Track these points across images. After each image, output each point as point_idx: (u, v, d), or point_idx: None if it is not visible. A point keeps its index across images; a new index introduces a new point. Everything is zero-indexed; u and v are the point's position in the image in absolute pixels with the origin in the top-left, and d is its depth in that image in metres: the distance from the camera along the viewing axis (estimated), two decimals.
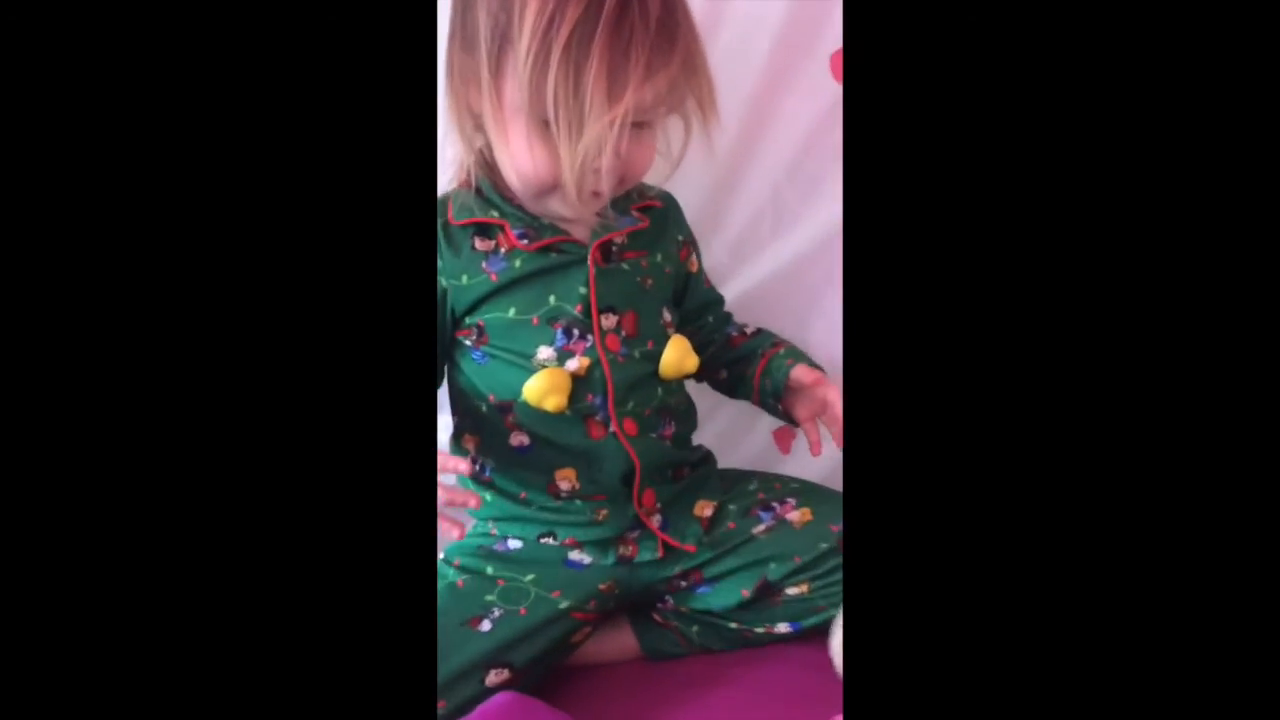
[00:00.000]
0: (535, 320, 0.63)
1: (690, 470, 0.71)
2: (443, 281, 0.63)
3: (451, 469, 0.57)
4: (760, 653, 0.69)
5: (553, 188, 0.59)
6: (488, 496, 0.69)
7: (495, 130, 0.58)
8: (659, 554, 0.68)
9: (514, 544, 0.68)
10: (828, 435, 0.68)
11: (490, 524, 0.69)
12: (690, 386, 0.75)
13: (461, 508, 0.58)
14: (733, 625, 0.68)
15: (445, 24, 0.61)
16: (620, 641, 0.72)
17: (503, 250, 0.63)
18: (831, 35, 0.78)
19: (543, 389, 0.62)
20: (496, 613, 0.63)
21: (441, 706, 0.57)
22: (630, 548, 0.68)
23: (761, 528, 0.69)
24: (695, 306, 0.74)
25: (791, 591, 0.67)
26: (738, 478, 0.74)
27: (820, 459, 0.82)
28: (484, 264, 0.63)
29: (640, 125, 0.59)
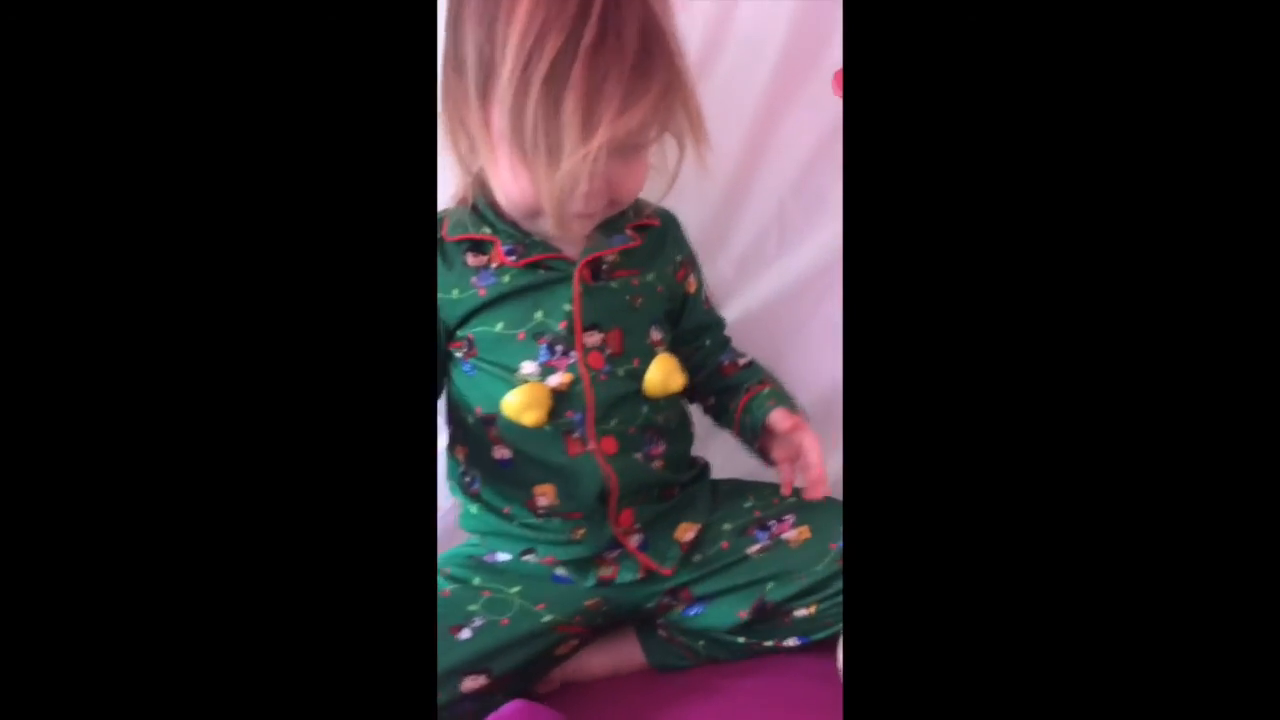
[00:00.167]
0: (521, 335, 0.64)
1: (681, 490, 0.71)
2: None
3: None
4: (766, 662, 0.69)
5: (540, 210, 0.60)
6: (473, 509, 0.70)
7: (485, 153, 0.59)
8: (640, 575, 0.67)
9: (502, 556, 0.68)
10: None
11: (479, 536, 0.70)
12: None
13: None
14: (740, 640, 0.68)
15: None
16: (626, 654, 0.72)
17: (493, 266, 0.64)
18: (834, 53, 0.77)
19: (521, 403, 0.63)
20: (478, 622, 0.64)
21: None
22: (611, 568, 0.68)
23: (756, 548, 0.68)
24: (692, 327, 0.74)
25: (800, 613, 0.67)
26: (734, 492, 0.73)
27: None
28: (474, 279, 0.64)
29: (630, 148, 0.59)
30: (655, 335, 0.69)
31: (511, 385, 0.64)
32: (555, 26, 0.52)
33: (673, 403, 0.70)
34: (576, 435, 0.65)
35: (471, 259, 0.65)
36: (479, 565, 0.68)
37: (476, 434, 0.67)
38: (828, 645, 0.67)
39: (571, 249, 0.65)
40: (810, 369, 0.83)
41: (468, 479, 0.70)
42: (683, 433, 0.72)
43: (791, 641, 0.68)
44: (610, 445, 0.65)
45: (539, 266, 0.64)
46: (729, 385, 0.72)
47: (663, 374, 0.67)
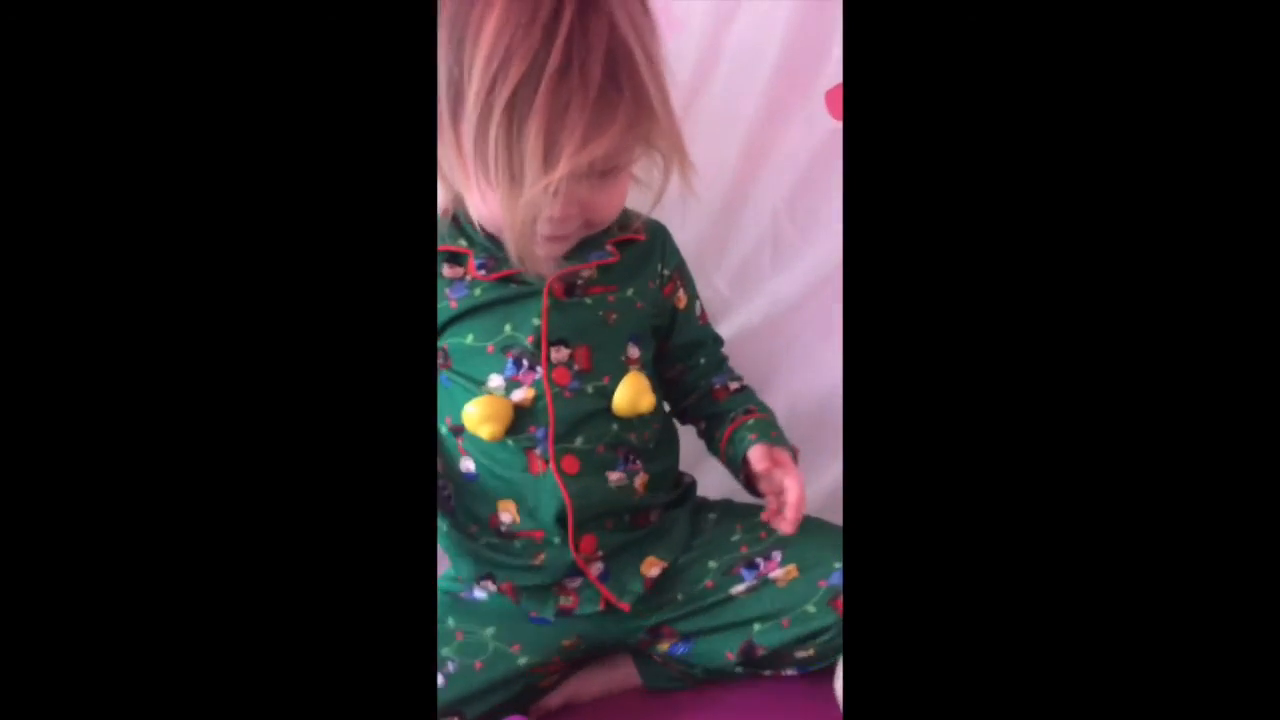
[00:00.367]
0: (490, 348, 0.63)
1: (660, 515, 0.68)
2: None
3: None
4: (761, 683, 0.68)
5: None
6: (444, 526, 0.68)
7: (458, 172, 0.58)
8: (600, 607, 0.65)
9: (479, 594, 0.67)
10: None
11: (450, 559, 0.69)
12: None
13: None
14: (738, 670, 0.67)
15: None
16: (621, 677, 0.70)
17: (466, 279, 0.63)
18: (828, 70, 0.77)
19: (479, 416, 0.62)
20: (451, 667, 0.62)
21: None
22: (570, 598, 0.65)
23: (742, 588, 0.66)
24: (685, 343, 0.72)
25: (800, 654, 0.65)
26: (723, 518, 0.70)
27: (819, 482, 0.81)
28: (448, 290, 0.63)
29: (605, 172, 0.57)
30: (632, 353, 0.66)
31: (477, 397, 0.63)
32: (519, 53, 0.50)
33: (651, 420, 0.67)
34: (539, 452, 0.63)
35: (448, 270, 0.64)
36: (454, 603, 0.66)
37: (448, 444, 0.66)
38: (825, 672, 0.65)
39: (544, 264, 0.63)
40: (806, 384, 0.82)
41: (445, 492, 0.68)
42: (665, 451, 0.70)
43: (790, 672, 0.66)
44: (571, 465, 0.63)
45: (511, 281, 0.63)
46: (717, 412, 0.70)
47: (631, 393, 0.64)
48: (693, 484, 0.73)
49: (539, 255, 0.60)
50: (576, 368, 0.63)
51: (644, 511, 0.67)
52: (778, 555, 0.66)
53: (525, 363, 0.63)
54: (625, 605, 0.65)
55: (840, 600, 0.63)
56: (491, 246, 0.64)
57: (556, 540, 0.64)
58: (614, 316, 0.65)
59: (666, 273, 0.70)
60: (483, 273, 0.63)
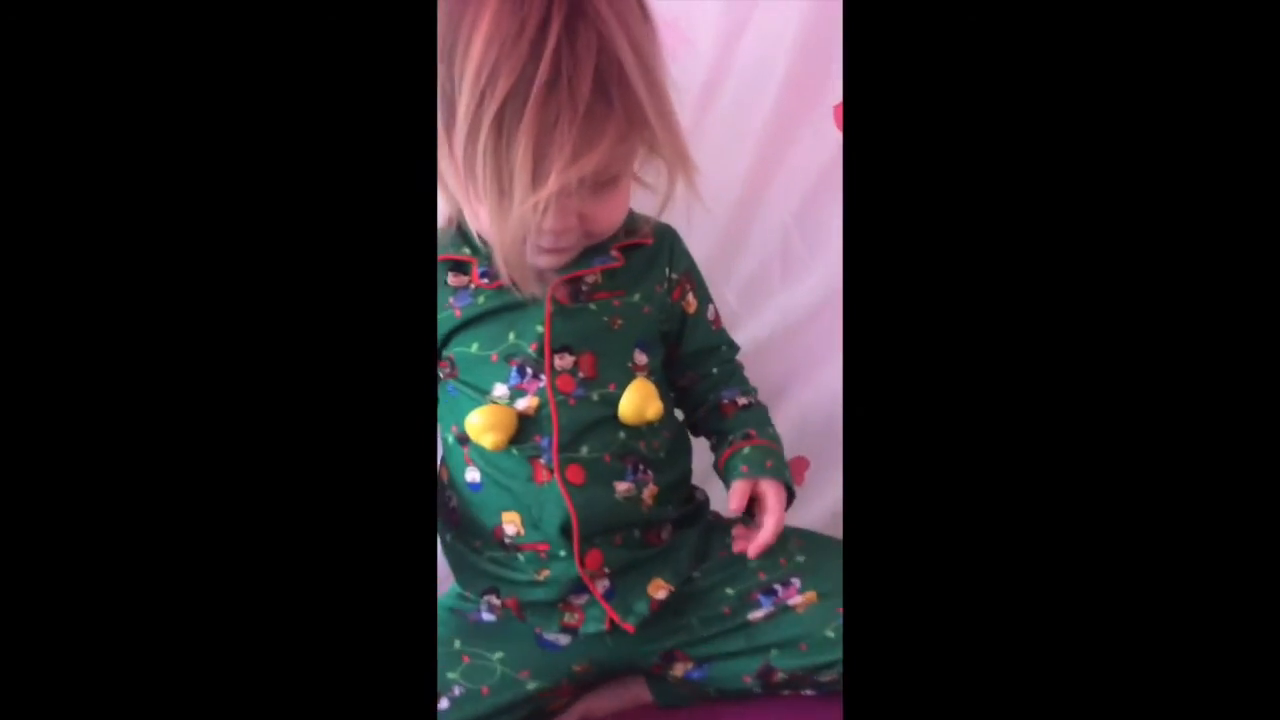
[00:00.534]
0: (494, 357, 0.62)
1: (671, 532, 0.66)
2: None
3: None
4: (779, 699, 0.66)
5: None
6: (448, 538, 0.67)
7: (458, 190, 0.57)
8: (605, 627, 0.62)
9: (487, 615, 0.65)
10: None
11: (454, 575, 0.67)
12: None
13: None
14: (756, 691, 0.65)
15: None
16: (633, 695, 0.69)
17: (470, 287, 0.62)
18: (836, 84, 0.77)
19: (482, 425, 0.60)
20: (457, 691, 0.60)
21: None
22: (576, 615, 0.63)
23: (760, 614, 0.64)
24: (697, 350, 0.70)
25: (822, 678, 0.63)
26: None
27: (828, 496, 0.81)
28: (452, 299, 0.62)
29: (604, 183, 0.56)
30: (639, 359, 0.64)
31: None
32: (506, 66, 0.49)
33: (661, 429, 0.65)
34: (543, 461, 0.61)
35: (452, 279, 0.63)
36: (461, 625, 0.64)
37: (454, 454, 0.64)
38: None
39: (537, 285, 0.62)
40: (815, 397, 0.81)
41: (451, 505, 0.67)
42: (676, 462, 0.67)
43: (809, 692, 0.65)
44: (576, 475, 0.61)
45: (514, 287, 0.62)
46: (722, 429, 0.69)
47: (638, 400, 0.62)
48: (705, 501, 0.71)
49: (529, 272, 0.59)
50: (581, 375, 0.62)
51: (655, 528, 0.65)
52: (796, 582, 0.65)
53: (529, 371, 0.61)
54: (630, 626, 0.62)
55: None
56: (493, 255, 0.62)
57: (562, 553, 0.62)
58: (620, 322, 0.64)
59: (675, 276, 0.68)
60: (485, 280, 0.62)
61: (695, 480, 0.72)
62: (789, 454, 0.85)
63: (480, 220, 0.57)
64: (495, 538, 0.64)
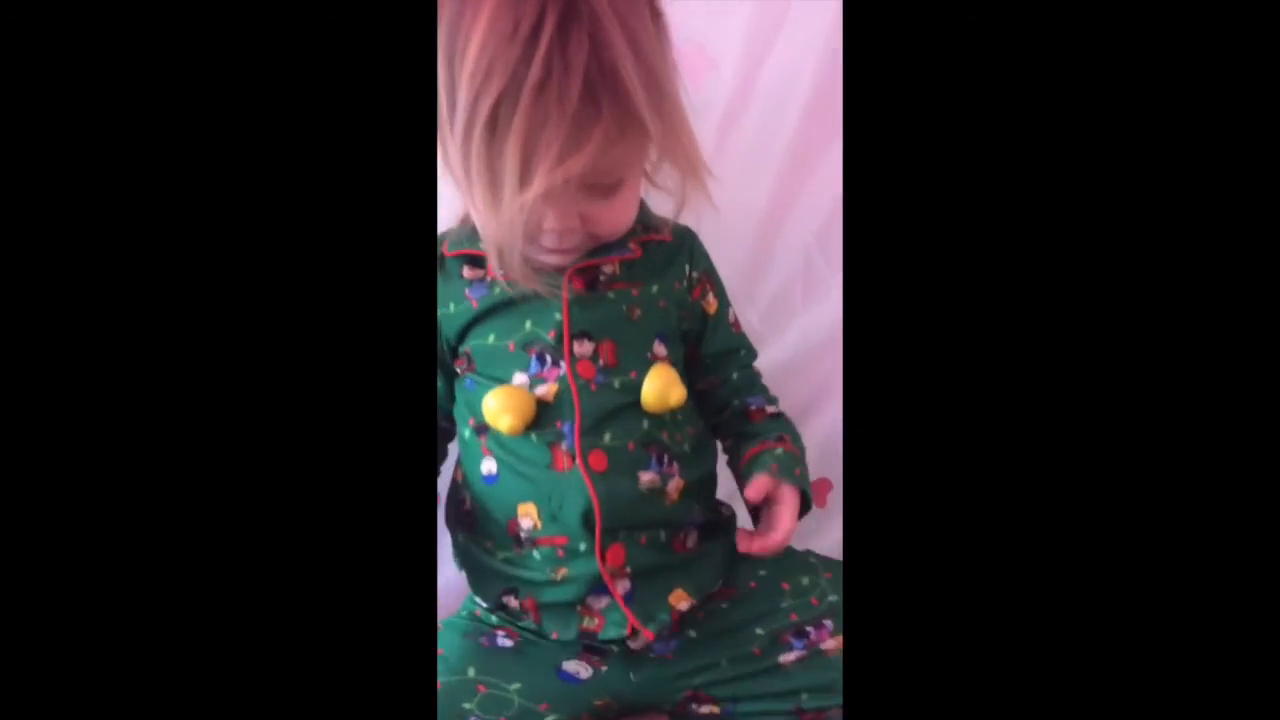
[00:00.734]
0: (512, 346, 0.60)
1: (695, 541, 0.63)
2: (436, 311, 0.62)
3: None
4: None
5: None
6: (460, 538, 0.64)
7: (462, 187, 0.56)
8: (625, 632, 0.59)
9: (503, 641, 0.61)
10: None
11: (477, 600, 0.64)
12: None
13: None
14: None
15: None
16: None
17: (487, 279, 0.62)
18: None
19: (498, 407, 0.58)
20: None
21: None
22: (596, 619, 0.59)
23: (791, 657, 0.60)
24: (716, 353, 0.68)
25: None
26: (769, 582, 0.64)
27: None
28: (468, 291, 0.62)
29: (608, 187, 0.56)
30: (659, 350, 0.63)
31: None
32: (499, 67, 0.49)
33: (685, 423, 0.63)
34: (564, 447, 0.59)
35: (468, 272, 0.63)
36: (475, 651, 0.60)
37: (470, 448, 0.62)
38: None
39: (535, 281, 0.61)
40: (838, 418, 0.79)
41: (463, 506, 0.64)
42: (702, 459, 0.65)
43: None
44: (599, 461, 0.58)
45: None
46: (751, 432, 0.66)
47: (660, 385, 0.60)
48: (733, 516, 0.68)
49: (524, 269, 0.58)
50: (601, 362, 0.60)
51: (680, 531, 0.62)
52: (829, 624, 0.61)
53: (548, 358, 0.60)
54: (650, 633, 0.59)
55: None
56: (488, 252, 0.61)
57: (581, 547, 0.58)
58: (638, 312, 0.62)
59: (695, 275, 0.67)
60: (501, 272, 0.60)
61: (721, 497, 0.69)
62: (812, 475, 0.85)
63: (478, 217, 0.57)
64: (509, 533, 0.60)
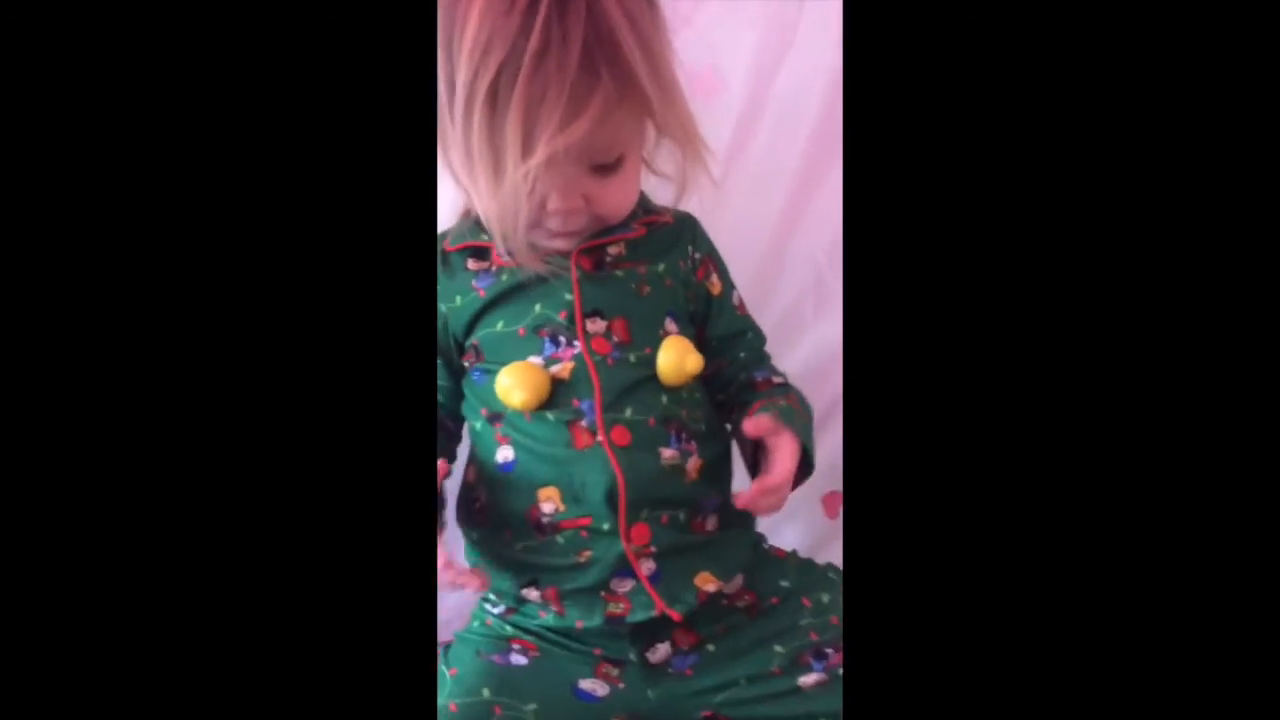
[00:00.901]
0: (522, 331, 0.59)
1: (715, 525, 0.60)
2: (442, 307, 0.61)
3: (461, 584, 0.52)
4: None
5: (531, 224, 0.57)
6: (475, 535, 0.62)
7: (465, 174, 0.57)
8: (655, 611, 0.56)
9: (518, 658, 0.58)
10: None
11: (489, 605, 0.61)
12: None
13: (464, 587, 0.52)
14: None
15: None
16: None
17: (492, 269, 0.61)
18: None
19: (510, 383, 0.56)
20: None
21: None
22: (621, 604, 0.57)
23: (811, 680, 0.58)
24: (723, 334, 0.66)
25: None
26: (790, 597, 0.61)
27: None
28: (474, 282, 0.61)
29: (607, 167, 0.56)
30: (671, 327, 0.62)
31: None
32: (498, 39, 0.49)
33: (701, 401, 0.62)
34: (584, 424, 0.57)
35: (472, 264, 0.62)
36: (489, 672, 0.57)
37: (484, 439, 0.60)
38: None
39: (566, 245, 0.61)
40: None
41: (477, 504, 0.62)
42: (717, 437, 0.63)
43: None
44: (621, 436, 0.56)
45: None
46: (754, 398, 0.64)
47: (676, 354, 0.59)
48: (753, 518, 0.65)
49: (528, 247, 0.58)
50: (615, 339, 0.59)
51: (699, 513, 0.59)
52: None
53: (561, 339, 0.58)
54: (677, 614, 0.56)
55: None
56: (492, 231, 0.60)
57: (605, 527, 0.56)
58: (647, 289, 0.62)
59: (698, 256, 0.67)
60: (507, 258, 0.60)
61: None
62: (824, 489, 0.84)
63: (481, 199, 0.56)
64: (530, 521, 0.57)
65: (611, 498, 0.56)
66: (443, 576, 0.51)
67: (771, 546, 0.65)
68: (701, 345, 0.66)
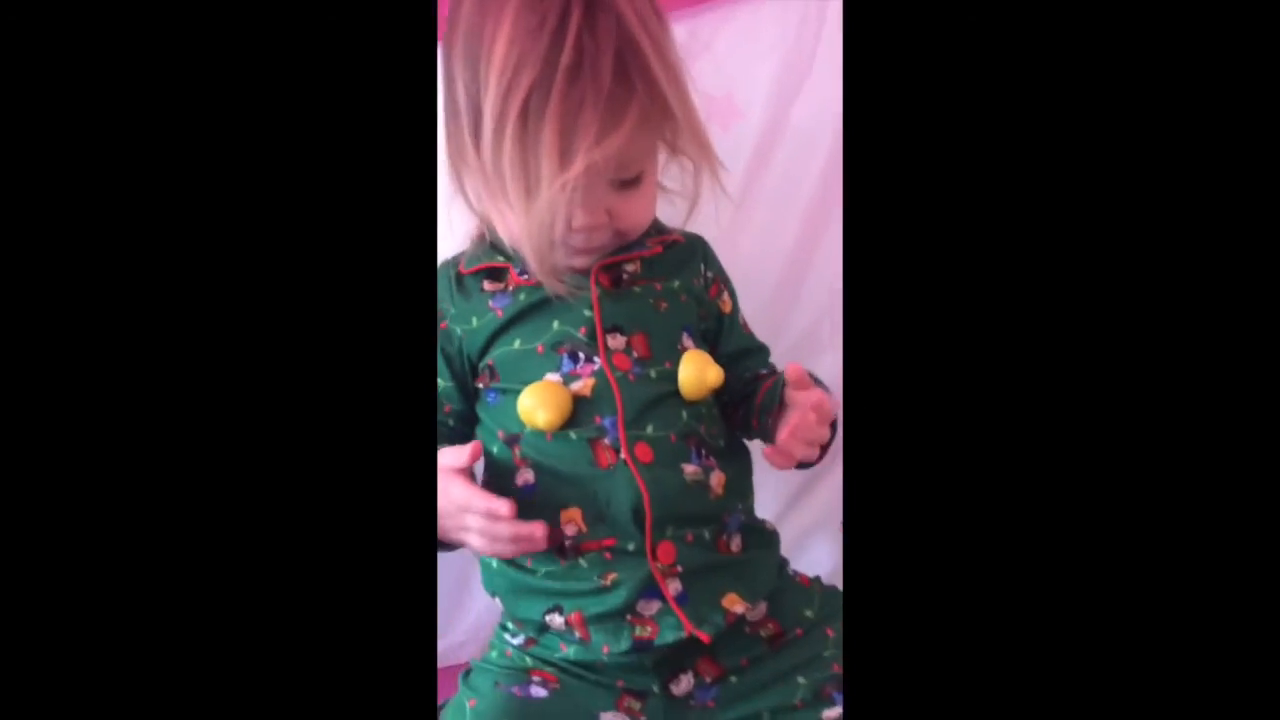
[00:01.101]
0: (540, 348, 0.58)
1: (739, 545, 0.59)
2: (457, 329, 0.60)
3: (525, 536, 0.50)
4: None
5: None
6: (494, 564, 0.60)
7: (487, 197, 0.57)
8: (684, 633, 0.54)
9: (537, 691, 0.56)
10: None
11: (508, 636, 0.59)
12: None
13: (528, 541, 0.51)
14: None
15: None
16: None
17: (509, 289, 0.61)
18: None
19: (533, 403, 0.55)
20: None
21: None
22: (648, 627, 0.55)
23: (834, 714, 0.56)
24: (733, 352, 0.66)
25: None
26: (815, 627, 0.60)
27: None
28: (491, 302, 0.60)
29: (627, 182, 0.57)
30: (688, 343, 0.61)
31: None
32: (530, 59, 0.50)
33: (718, 418, 0.62)
34: (607, 442, 0.55)
35: (488, 285, 0.61)
36: (509, 706, 0.55)
37: (501, 462, 0.58)
38: None
39: (583, 263, 0.60)
40: None
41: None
42: (737, 455, 0.62)
43: None
44: (644, 453, 0.55)
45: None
46: (761, 386, 0.63)
47: (696, 368, 0.58)
48: (776, 533, 0.64)
49: (559, 265, 0.57)
50: (635, 354, 0.59)
51: (724, 532, 0.58)
52: None
53: (581, 356, 0.58)
54: (705, 636, 0.54)
55: None
56: (522, 251, 0.60)
57: (630, 546, 0.55)
58: (664, 305, 0.62)
59: (709, 274, 0.67)
60: (525, 276, 0.60)
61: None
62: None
63: (507, 222, 0.56)
64: (551, 545, 0.56)
65: (637, 516, 0.55)
66: (498, 527, 0.50)
67: (796, 572, 0.64)
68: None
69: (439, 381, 0.61)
